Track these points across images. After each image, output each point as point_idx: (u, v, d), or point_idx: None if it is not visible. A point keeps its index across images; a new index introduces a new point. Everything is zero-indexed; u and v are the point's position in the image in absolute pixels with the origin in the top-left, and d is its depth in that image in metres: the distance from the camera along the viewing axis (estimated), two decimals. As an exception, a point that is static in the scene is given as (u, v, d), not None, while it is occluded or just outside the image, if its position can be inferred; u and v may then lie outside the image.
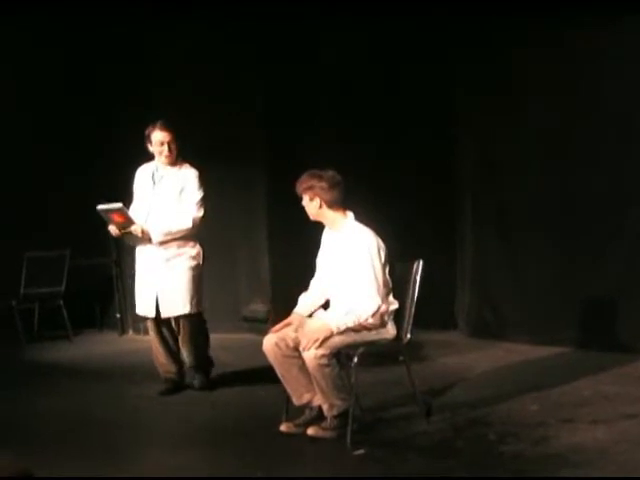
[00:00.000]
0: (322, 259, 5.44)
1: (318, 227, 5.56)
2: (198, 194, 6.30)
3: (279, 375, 5.26)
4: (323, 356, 4.95)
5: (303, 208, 5.34)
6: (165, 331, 6.43)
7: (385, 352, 5.55)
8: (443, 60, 8.30)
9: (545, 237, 7.79)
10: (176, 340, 6.46)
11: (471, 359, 7.34)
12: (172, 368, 6.43)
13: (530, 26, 7.55)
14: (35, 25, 8.76)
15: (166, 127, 6.25)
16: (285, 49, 8.60)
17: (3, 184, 8.96)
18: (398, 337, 5.27)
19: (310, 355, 4.96)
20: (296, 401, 5.27)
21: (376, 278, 5.09)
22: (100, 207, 6.23)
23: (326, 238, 5.43)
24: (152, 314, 6.33)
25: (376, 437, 5.16)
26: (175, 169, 6.34)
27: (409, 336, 5.29)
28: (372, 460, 4.79)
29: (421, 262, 5.32)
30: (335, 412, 5.11)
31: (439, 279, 8.10)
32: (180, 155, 6.35)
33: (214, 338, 6.48)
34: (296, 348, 5.10)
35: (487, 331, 8.17)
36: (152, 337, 6.47)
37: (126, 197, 9.08)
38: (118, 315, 9.30)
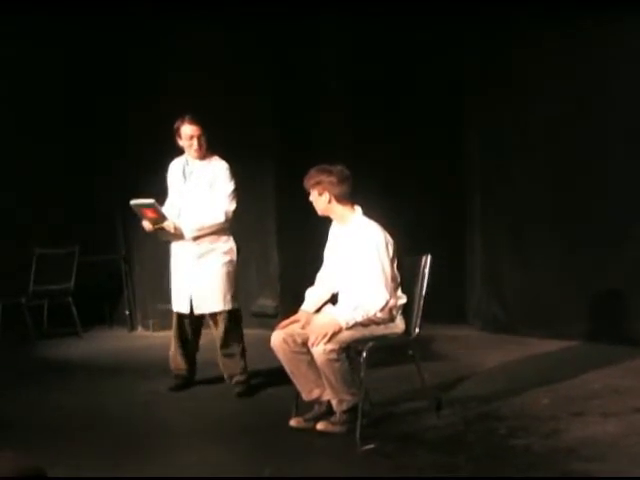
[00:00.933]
0: (329, 253, 5.43)
1: (326, 222, 5.55)
2: (229, 186, 6.20)
3: (288, 371, 5.25)
4: (332, 351, 4.94)
5: (311, 203, 5.32)
6: (187, 327, 6.38)
7: (394, 347, 5.53)
8: (452, 59, 8.31)
9: (554, 231, 7.77)
10: (196, 339, 6.42)
11: (481, 353, 7.33)
12: (183, 365, 6.40)
13: (542, 25, 7.53)
14: (39, 26, 8.76)
15: (195, 121, 6.18)
16: (297, 47, 8.60)
17: (13, 182, 8.98)
18: (407, 331, 5.25)
19: (319, 350, 4.95)
20: (305, 397, 5.27)
21: (384, 273, 5.08)
22: (133, 202, 6.17)
23: (334, 232, 5.42)
24: (186, 310, 6.28)
25: (386, 432, 5.15)
26: (205, 162, 6.25)
27: (418, 330, 5.27)
28: (382, 455, 4.78)
29: (429, 256, 5.30)
30: (344, 407, 5.10)
31: (449, 273, 8.11)
32: (210, 148, 6.26)
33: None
34: (304, 344, 5.09)
35: (497, 325, 8.16)
36: (173, 331, 6.44)
37: (136, 195, 9.18)
38: (127, 312, 9.31)
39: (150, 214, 6.15)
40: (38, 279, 8.61)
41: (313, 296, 5.39)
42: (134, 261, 9.36)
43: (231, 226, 6.28)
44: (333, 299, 5.38)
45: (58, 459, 4.60)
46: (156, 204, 6.14)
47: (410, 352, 5.37)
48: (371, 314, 5.06)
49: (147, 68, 8.89)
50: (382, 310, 5.08)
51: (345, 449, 4.90)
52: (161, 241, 6.63)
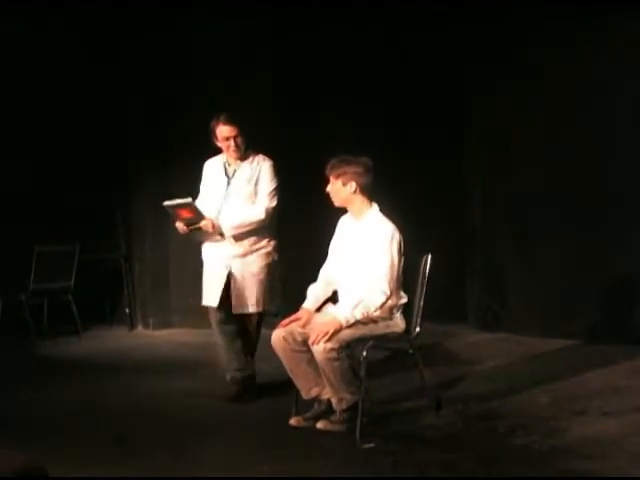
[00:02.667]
0: (336, 246, 5.42)
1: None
2: (271, 184, 5.97)
3: (287, 369, 5.25)
4: (332, 350, 4.93)
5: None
6: (225, 318, 6.01)
7: (395, 345, 5.53)
8: (453, 59, 8.34)
9: (556, 229, 7.75)
10: (243, 332, 6.02)
11: (481, 352, 7.31)
12: (237, 364, 6.02)
13: (544, 25, 7.52)
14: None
15: (230, 121, 5.90)
16: (298, 47, 8.61)
17: (15, 179, 8.97)
18: (408, 330, 5.25)
19: (319, 349, 4.94)
20: (305, 395, 5.27)
21: (391, 269, 5.08)
22: (167, 203, 5.89)
23: (344, 226, 5.41)
24: (215, 304, 5.95)
25: (386, 430, 5.15)
26: (247, 162, 6.01)
27: (418, 329, 5.27)
28: (382, 453, 4.78)
29: (430, 256, 5.31)
30: (344, 406, 5.10)
31: (449, 272, 8.09)
32: (250, 147, 6.02)
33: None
34: (304, 342, 5.09)
35: (497, 324, 8.15)
36: (216, 333, 6.07)
37: (137, 192, 9.18)
38: (127, 310, 9.30)
39: (185, 214, 5.89)
40: (38, 277, 8.59)
41: (315, 293, 5.37)
42: (134, 259, 9.35)
43: (272, 224, 6.07)
44: (334, 297, 5.37)
45: (58, 457, 4.57)
46: (193, 203, 5.87)
47: (410, 351, 5.37)
48: (371, 311, 5.05)
49: (147, 69, 8.89)
50: (382, 306, 5.07)
51: (345, 448, 4.90)
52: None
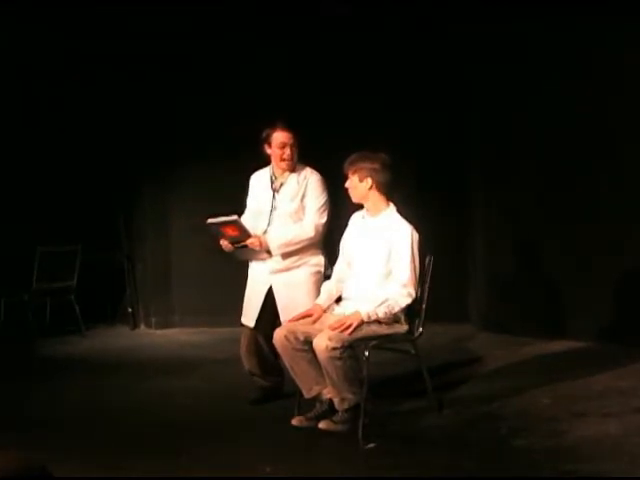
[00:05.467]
0: (349, 244, 5.42)
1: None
2: (320, 199, 5.69)
3: (288, 367, 5.27)
4: (335, 349, 4.93)
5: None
6: (261, 340, 5.84)
7: (397, 346, 5.54)
8: (455, 57, 8.34)
9: (556, 232, 7.75)
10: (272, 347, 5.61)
11: (483, 353, 7.31)
12: (272, 376, 5.92)
13: (547, 24, 7.53)
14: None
15: (287, 128, 5.70)
16: (297, 47, 8.62)
17: (17, 178, 8.99)
18: (410, 331, 5.26)
19: (322, 348, 4.94)
20: (306, 394, 5.27)
21: (415, 271, 5.12)
22: (211, 221, 5.63)
23: (356, 223, 5.42)
24: (252, 324, 5.81)
25: (387, 431, 5.15)
26: (295, 175, 5.75)
27: (421, 330, 5.28)
28: (383, 454, 4.79)
29: (432, 257, 5.32)
30: (346, 406, 5.10)
31: (452, 272, 8.10)
32: (300, 159, 5.77)
33: (228, 331, 6.39)
34: (306, 342, 5.10)
35: (499, 325, 8.14)
36: (244, 347, 5.89)
37: (139, 192, 9.19)
38: (130, 309, 9.32)
39: (231, 232, 5.65)
40: (41, 277, 8.62)
41: (328, 290, 5.38)
42: (136, 259, 9.37)
43: (322, 240, 5.78)
44: (339, 298, 5.37)
45: (58, 457, 4.57)
46: (239, 220, 5.66)
47: (412, 352, 5.38)
48: (395, 311, 5.10)
49: (147, 70, 8.90)
50: (405, 308, 5.11)
51: (347, 448, 4.91)
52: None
